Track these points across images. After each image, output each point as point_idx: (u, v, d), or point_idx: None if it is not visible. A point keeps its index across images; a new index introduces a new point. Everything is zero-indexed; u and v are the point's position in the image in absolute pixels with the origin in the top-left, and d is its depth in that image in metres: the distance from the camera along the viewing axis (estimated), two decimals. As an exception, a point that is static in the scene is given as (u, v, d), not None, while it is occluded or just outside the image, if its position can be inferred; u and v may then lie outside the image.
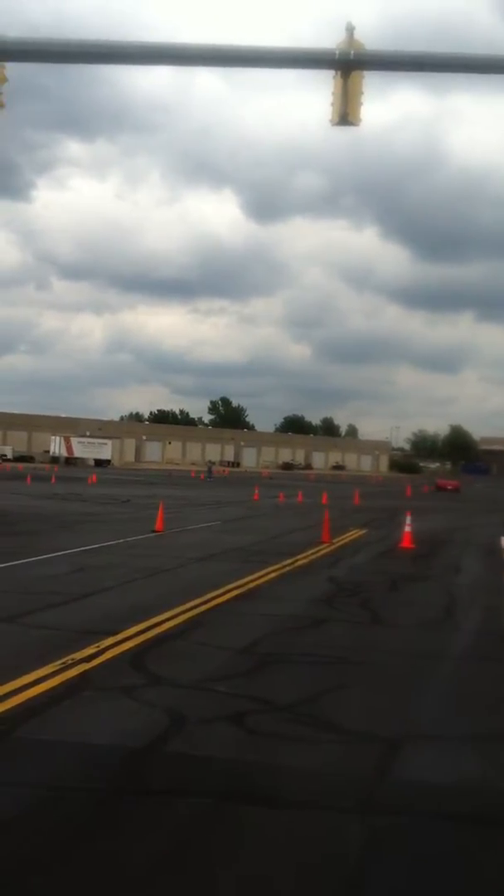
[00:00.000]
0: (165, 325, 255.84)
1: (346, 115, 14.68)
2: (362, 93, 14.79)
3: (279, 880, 3.85)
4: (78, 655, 7.54)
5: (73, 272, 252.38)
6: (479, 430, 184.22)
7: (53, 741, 5.40)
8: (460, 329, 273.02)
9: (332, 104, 14.76)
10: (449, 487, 65.42)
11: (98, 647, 7.93)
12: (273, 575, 13.66)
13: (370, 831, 4.37)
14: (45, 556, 14.78)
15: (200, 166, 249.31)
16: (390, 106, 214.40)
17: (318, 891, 3.79)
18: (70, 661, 7.30)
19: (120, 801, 4.60)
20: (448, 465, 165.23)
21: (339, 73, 14.64)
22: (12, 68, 14.88)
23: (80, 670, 7.08)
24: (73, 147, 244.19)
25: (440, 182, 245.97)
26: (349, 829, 4.37)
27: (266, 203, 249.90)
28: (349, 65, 14.61)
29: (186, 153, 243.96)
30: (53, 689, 6.51)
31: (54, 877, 3.77)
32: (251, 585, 12.43)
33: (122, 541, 18.09)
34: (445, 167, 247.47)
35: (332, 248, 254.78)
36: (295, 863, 4.00)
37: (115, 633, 8.50)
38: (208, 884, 3.79)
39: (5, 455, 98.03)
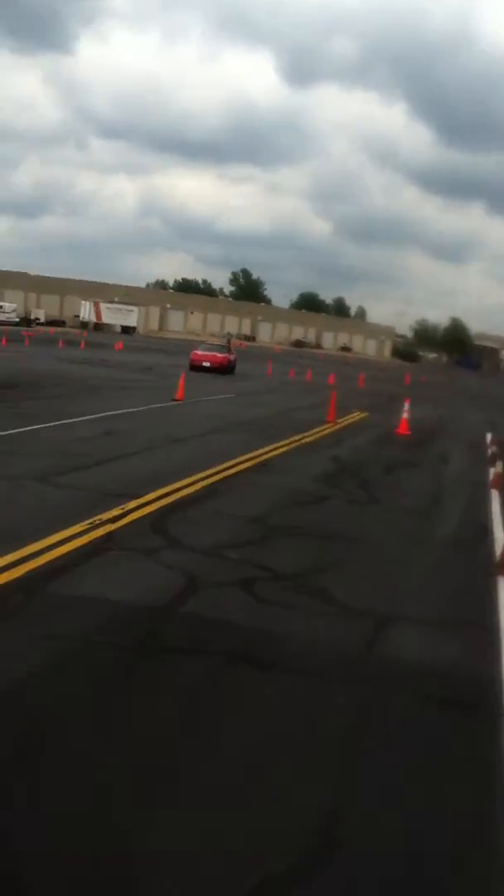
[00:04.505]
0: (194, 189, 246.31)
1: None
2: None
3: (276, 738, 4.05)
4: (105, 516, 7.68)
5: (111, 131, 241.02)
6: (477, 325, 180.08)
7: (81, 597, 5.56)
8: (471, 219, 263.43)
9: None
10: (206, 363, 37.69)
11: (123, 508, 8.06)
12: (282, 450, 13.77)
13: (356, 699, 4.56)
14: (72, 420, 14.77)
15: (239, 22, 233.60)
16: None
17: (312, 749, 3.99)
18: (97, 522, 7.43)
19: (141, 656, 4.79)
20: (444, 358, 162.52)
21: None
22: None
23: (107, 530, 7.23)
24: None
25: (471, 64, 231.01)
26: (337, 696, 4.56)
27: (301, 67, 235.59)
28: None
29: (226, 8, 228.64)
30: (82, 547, 6.66)
31: (83, 723, 3.97)
32: (262, 458, 12.54)
33: (144, 408, 18.12)
34: (478, 47, 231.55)
35: (362, 120, 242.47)
36: (291, 721, 4.20)
37: (137, 497, 8.63)
38: (215, 733, 4.00)
39: (38, 318, 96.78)
